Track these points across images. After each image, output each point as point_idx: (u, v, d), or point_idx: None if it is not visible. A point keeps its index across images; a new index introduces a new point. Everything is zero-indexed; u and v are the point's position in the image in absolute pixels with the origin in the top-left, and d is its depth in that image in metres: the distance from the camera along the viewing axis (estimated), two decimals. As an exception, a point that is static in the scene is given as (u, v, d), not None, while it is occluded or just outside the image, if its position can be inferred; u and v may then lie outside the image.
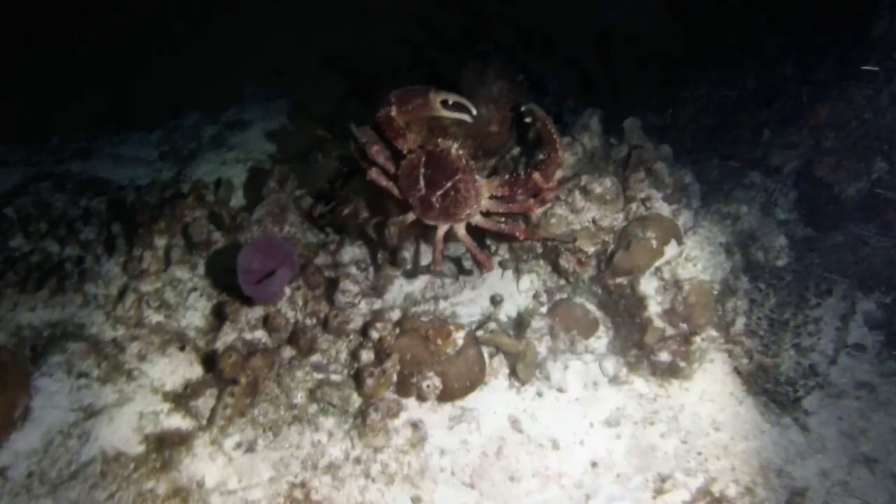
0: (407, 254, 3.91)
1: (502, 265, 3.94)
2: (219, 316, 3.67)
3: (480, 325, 3.56)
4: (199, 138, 6.08)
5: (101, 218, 4.47)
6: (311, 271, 3.67)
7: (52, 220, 4.48)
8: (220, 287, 3.92)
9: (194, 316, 3.83)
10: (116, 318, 3.70)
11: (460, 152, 3.27)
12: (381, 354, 3.30)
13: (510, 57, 3.89)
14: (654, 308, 3.32)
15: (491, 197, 3.38)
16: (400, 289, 4.00)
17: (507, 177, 3.31)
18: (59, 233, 4.28)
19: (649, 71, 4.42)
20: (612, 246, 3.51)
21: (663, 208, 3.50)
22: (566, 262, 3.60)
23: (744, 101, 4.12)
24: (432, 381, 3.23)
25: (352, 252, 4.21)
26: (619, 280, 3.46)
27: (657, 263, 3.37)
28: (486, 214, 3.47)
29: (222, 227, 4.15)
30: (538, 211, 3.59)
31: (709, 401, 3.33)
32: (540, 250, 3.78)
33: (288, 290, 3.58)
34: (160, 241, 4.01)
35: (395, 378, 3.27)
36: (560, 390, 3.37)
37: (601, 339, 3.60)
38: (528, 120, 3.41)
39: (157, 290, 3.87)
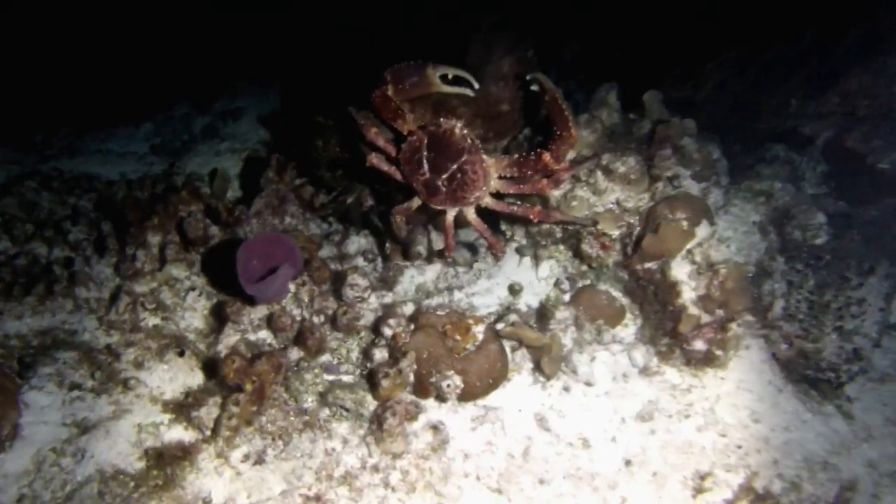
0: (421, 247, 3.68)
1: (520, 251, 3.73)
2: (219, 317, 3.46)
3: (499, 316, 3.35)
4: (190, 130, 5.88)
5: (91, 217, 4.27)
6: (316, 265, 3.46)
7: (38, 220, 4.32)
8: (219, 285, 3.70)
9: (193, 317, 3.62)
10: (110, 323, 3.49)
11: (465, 131, 3.03)
12: (396, 353, 3.09)
13: (519, 31, 3.63)
14: (688, 294, 3.11)
15: (500, 177, 3.16)
16: (411, 280, 3.79)
17: (515, 156, 3.08)
18: (47, 234, 4.08)
19: (667, 43, 4.16)
20: (638, 228, 3.30)
21: (692, 187, 3.28)
22: (589, 246, 3.39)
23: (770, 70, 3.88)
24: (452, 380, 3.02)
25: (358, 242, 4.03)
26: (647, 265, 3.24)
27: (689, 246, 3.15)
28: (497, 196, 3.24)
29: (219, 222, 3.94)
30: (555, 193, 3.39)
31: (746, 390, 3.15)
32: (559, 234, 3.56)
33: (292, 287, 3.37)
34: (154, 239, 3.79)
35: (411, 378, 3.06)
36: (588, 384, 3.18)
37: (629, 328, 3.40)
38: (533, 87, 3.14)
39: (152, 290, 3.65)
